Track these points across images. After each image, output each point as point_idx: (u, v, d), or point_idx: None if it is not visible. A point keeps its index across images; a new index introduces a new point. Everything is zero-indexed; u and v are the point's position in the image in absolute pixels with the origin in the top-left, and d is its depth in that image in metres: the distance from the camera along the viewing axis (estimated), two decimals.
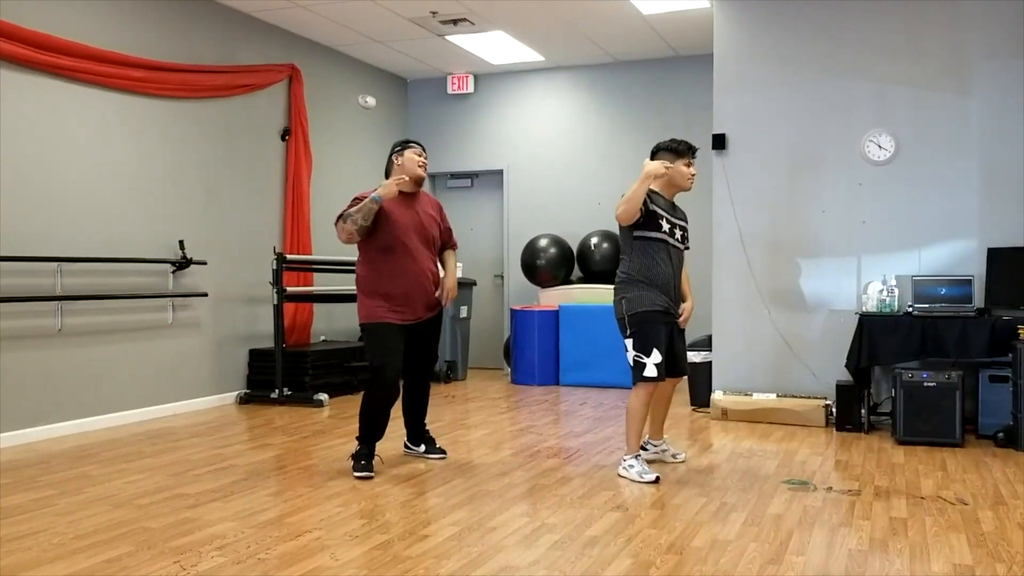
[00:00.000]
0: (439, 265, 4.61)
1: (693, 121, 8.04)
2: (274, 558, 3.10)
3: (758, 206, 6.28)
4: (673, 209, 4.40)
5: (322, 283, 7.71)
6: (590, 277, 8.21)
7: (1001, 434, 5.13)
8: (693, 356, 6.36)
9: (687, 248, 4.48)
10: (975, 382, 5.39)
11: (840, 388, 5.65)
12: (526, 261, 8.30)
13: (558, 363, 7.96)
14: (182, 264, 6.27)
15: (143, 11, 6.07)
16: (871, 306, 5.69)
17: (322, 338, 7.87)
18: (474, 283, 8.50)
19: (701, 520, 3.60)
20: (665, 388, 4.55)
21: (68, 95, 5.56)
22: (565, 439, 5.36)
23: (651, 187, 4.27)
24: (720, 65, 6.40)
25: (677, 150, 4.37)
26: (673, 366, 4.42)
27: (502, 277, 9.10)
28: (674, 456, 4.71)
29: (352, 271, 6.36)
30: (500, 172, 9.04)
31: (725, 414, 6.06)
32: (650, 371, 4.21)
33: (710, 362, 6.40)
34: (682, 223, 4.43)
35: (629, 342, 4.26)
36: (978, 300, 5.55)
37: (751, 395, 6.06)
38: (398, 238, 4.34)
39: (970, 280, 5.54)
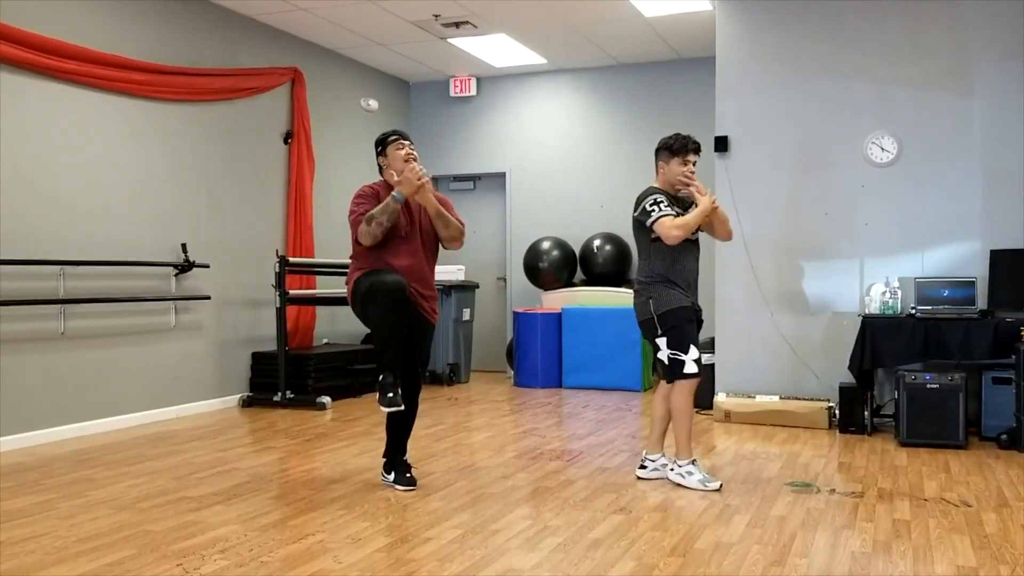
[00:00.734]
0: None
1: (695, 123, 7.91)
2: (277, 561, 3.10)
3: (761, 208, 6.27)
4: (679, 202, 4.30)
5: (325, 286, 7.69)
6: (593, 279, 8.21)
7: (1004, 436, 5.12)
8: None
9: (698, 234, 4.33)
10: (978, 384, 5.38)
11: (843, 390, 5.64)
12: (529, 263, 8.30)
13: (561, 366, 7.95)
14: (185, 267, 6.27)
15: (145, 14, 6.08)
16: (874, 308, 5.68)
17: (325, 341, 7.87)
18: (477, 285, 8.49)
19: (704, 522, 3.59)
20: (668, 392, 4.36)
21: (71, 98, 5.57)
22: (568, 442, 5.35)
23: (657, 185, 4.30)
24: (722, 67, 6.40)
25: (672, 148, 4.30)
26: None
27: (505, 280, 9.10)
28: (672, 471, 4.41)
29: None
30: (502, 175, 9.05)
31: (728, 416, 6.05)
32: (690, 367, 4.14)
33: (713, 364, 6.39)
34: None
35: (663, 340, 4.17)
36: (981, 302, 5.54)
37: (754, 397, 6.05)
38: (399, 236, 4.09)
39: (973, 282, 5.53)
